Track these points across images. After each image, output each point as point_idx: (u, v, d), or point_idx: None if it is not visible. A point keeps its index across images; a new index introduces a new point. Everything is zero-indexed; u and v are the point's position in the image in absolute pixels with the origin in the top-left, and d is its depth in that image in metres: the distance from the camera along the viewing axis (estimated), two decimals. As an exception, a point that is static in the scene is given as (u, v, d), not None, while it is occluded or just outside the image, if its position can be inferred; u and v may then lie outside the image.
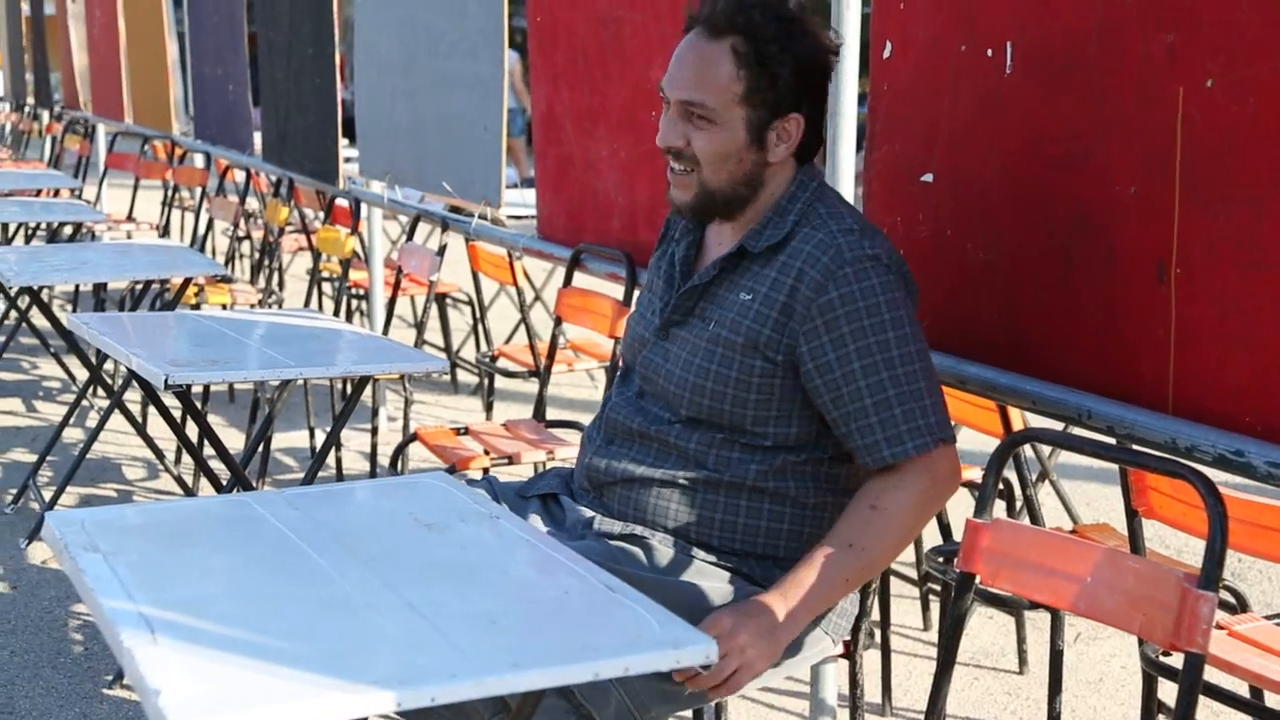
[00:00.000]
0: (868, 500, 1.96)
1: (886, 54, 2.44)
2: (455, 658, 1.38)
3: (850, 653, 2.21)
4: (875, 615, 2.79)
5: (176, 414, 4.03)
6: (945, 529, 3.17)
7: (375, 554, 1.66)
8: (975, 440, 3.54)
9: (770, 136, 2.01)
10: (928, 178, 2.37)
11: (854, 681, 2.26)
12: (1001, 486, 3.02)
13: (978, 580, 1.92)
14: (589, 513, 2.09)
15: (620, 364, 2.26)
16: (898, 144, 2.44)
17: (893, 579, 3.29)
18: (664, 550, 2.01)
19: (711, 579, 2.00)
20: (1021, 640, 3.23)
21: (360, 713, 1.29)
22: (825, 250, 1.96)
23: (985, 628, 3.44)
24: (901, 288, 1.98)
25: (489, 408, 5.08)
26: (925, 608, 3.47)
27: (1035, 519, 2.88)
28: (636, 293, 3.23)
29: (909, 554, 3.60)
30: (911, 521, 1.98)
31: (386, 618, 1.47)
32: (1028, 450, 3.77)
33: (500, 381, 5.34)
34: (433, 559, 1.67)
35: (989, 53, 2.22)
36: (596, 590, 1.58)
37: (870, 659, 3.07)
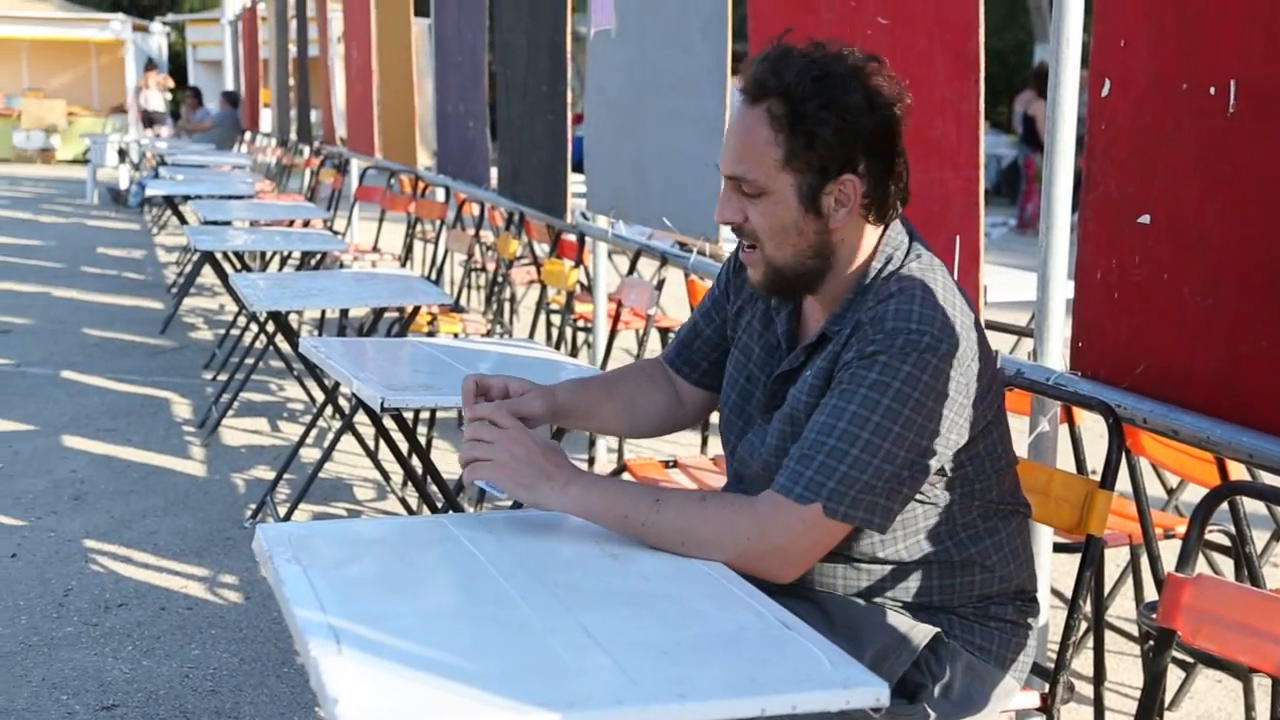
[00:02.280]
0: (708, 495, 1.83)
1: (1105, 92, 2.37)
2: (624, 685, 1.40)
3: (1048, 705, 2.15)
4: (1073, 666, 2.69)
5: (400, 438, 4.19)
6: (1161, 584, 3.04)
7: (559, 580, 1.70)
8: (1198, 494, 3.38)
9: (826, 201, 1.85)
10: (1145, 219, 2.29)
11: (1051, 735, 2.19)
12: (1229, 544, 2.88)
13: (1178, 636, 1.84)
14: None
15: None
16: (1115, 184, 2.37)
17: (1108, 633, 3.17)
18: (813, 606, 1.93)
19: (879, 612, 1.94)
20: (1250, 707, 3.06)
21: (525, 732, 1.32)
22: (871, 318, 1.80)
23: (1213, 691, 3.28)
24: (944, 379, 1.76)
25: (704, 442, 5.10)
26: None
27: (1255, 578, 2.74)
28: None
29: (1129, 609, 3.46)
30: (704, 539, 1.78)
31: (562, 642, 1.50)
32: (1259, 507, 3.59)
33: (716, 417, 5.36)
34: (613, 587, 1.69)
35: (1211, 91, 2.14)
36: (772, 626, 1.57)
37: (1084, 716, 2.96)
